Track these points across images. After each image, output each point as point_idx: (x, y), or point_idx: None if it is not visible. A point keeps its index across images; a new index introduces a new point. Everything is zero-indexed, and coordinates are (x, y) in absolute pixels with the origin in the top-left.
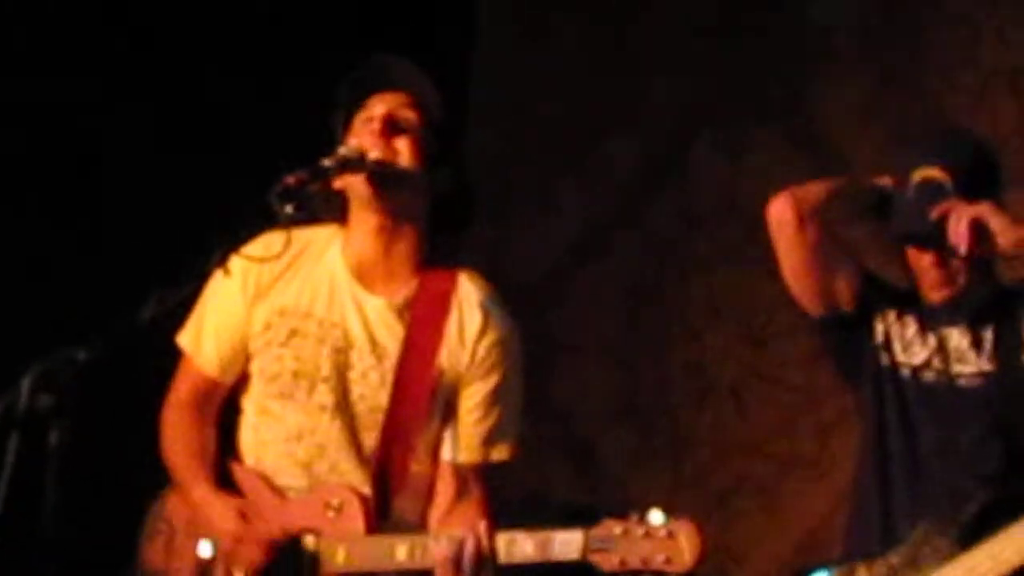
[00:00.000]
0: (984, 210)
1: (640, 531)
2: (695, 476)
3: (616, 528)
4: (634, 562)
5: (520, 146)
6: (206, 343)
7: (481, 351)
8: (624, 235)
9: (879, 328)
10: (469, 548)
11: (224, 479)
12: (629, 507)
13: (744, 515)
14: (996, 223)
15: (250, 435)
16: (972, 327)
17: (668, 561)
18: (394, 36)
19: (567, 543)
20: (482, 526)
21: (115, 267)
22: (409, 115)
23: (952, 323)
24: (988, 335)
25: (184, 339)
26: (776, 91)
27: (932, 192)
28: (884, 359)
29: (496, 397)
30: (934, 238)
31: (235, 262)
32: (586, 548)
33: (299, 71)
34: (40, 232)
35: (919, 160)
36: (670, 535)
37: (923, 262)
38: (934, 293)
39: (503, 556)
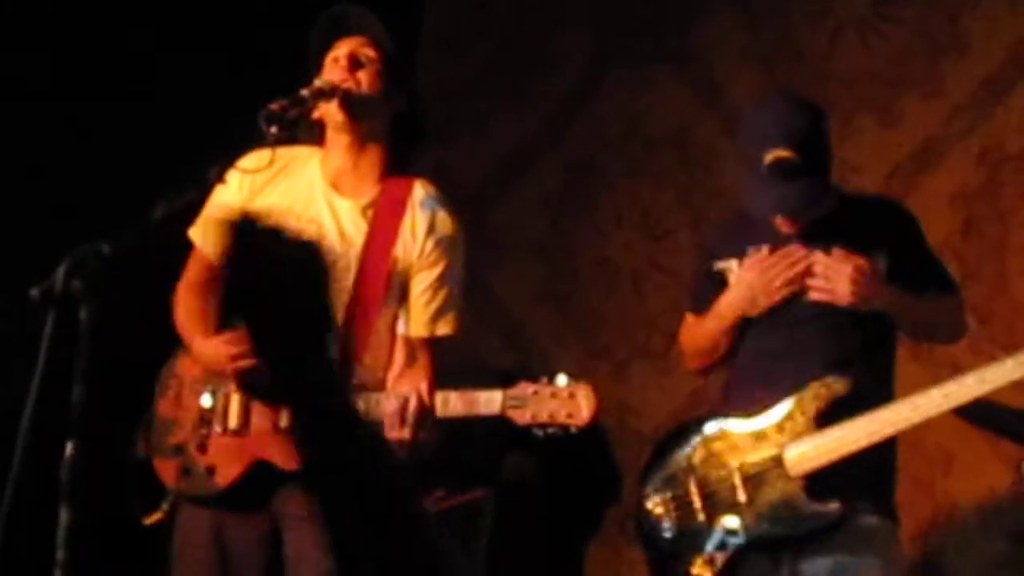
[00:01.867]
0: (858, 272)
1: (548, 391)
2: (603, 348)
3: (529, 389)
4: (542, 417)
5: (460, 79)
6: (211, 235)
7: (429, 244)
8: (546, 154)
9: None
10: (412, 404)
11: None
12: (548, 374)
13: (641, 378)
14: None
15: None
16: (822, 247)
17: (569, 416)
18: None
19: (490, 401)
20: (424, 386)
21: (132, 172)
22: (368, 52)
23: (798, 244)
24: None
25: (194, 233)
26: (669, 36)
27: (784, 170)
28: None
29: (441, 282)
30: (790, 210)
31: (232, 173)
32: (504, 405)
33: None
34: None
35: (768, 142)
36: (571, 395)
37: (777, 219)
38: (785, 232)
39: (439, 411)
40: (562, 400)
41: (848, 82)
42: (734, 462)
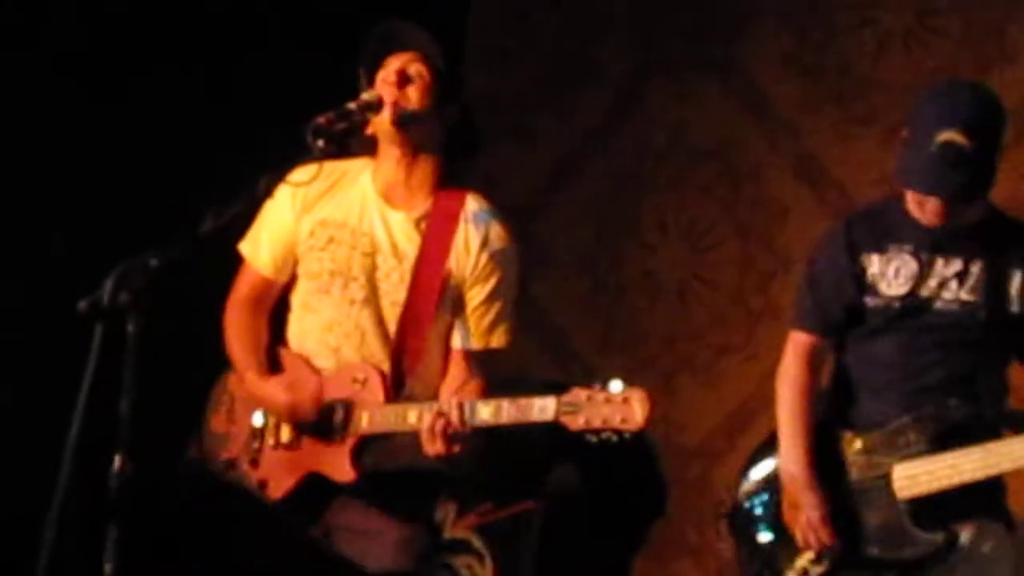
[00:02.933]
0: None
1: (601, 397)
2: (646, 360)
3: (582, 395)
4: (596, 422)
5: (504, 91)
6: (262, 249)
7: (484, 258)
8: (591, 165)
9: (865, 272)
10: (444, 420)
11: (274, 362)
12: (602, 380)
13: (685, 392)
14: None
15: (295, 326)
16: (962, 258)
17: (624, 421)
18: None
19: (543, 408)
20: (454, 400)
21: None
22: (419, 68)
23: (941, 251)
24: (975, 269)
25: (245, 247)
26: (714, 47)
27: (954, 154)
28: (870, 301)
29: (495, 296)
30: (948, 193)
31: (281, 187)
32: (558, 411)
33: (324, 33)
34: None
35: (942, 123)
36: (626, 400)
37: (929, 204)
38: (932, 223)
39: (493, 419)
40: (616, 405)
41: (894, 92)
42: (844, 474)
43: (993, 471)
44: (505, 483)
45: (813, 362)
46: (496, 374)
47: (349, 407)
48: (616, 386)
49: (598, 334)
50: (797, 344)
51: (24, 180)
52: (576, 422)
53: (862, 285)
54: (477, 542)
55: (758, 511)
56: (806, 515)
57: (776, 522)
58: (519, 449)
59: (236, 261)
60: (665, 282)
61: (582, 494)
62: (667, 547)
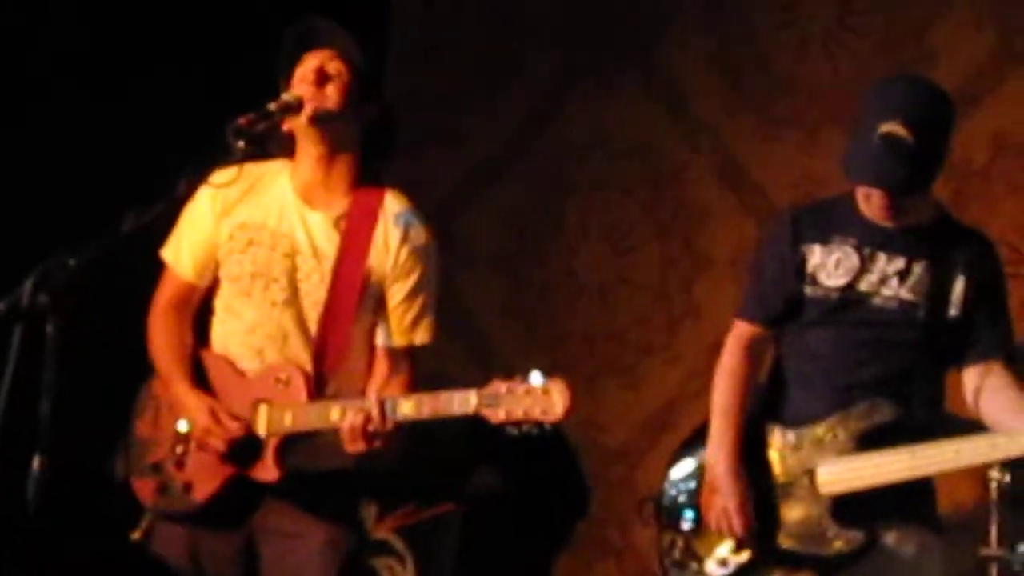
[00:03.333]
0: None
1: (522, 389)
2: (568, 361)
3: (502, 387)
4: (517, 414)
5: (428, 91)
6: (184, 254)
7: (403, 256)
8: (513, 166)
9: (806, 263)
10: (362, 418)
11: (198, 366)
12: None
13: (608, 393)
14: None
15: (218, 328)
16: (905, 256)
17: (544, 412)
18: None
19: (464, 401)
20: (375, 398)
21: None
22: (337, 65)
23: (885, 248)
24: (918, 269)
25: (167, 252)
26: (635, 48)
27: (895, 147)
28: (807, 289)
29: (417, 292)
30: (889, 185)
31: (202, 189)
32: (479, 404)
33: (245, 31)
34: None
35: (884, 115)
36: (546, 392)
37: (873, 198)
38: (878, 218)
39: (415, 413)
40: (536, 397)
41: (814, 94)
42: (767, 468)
43: (919, 473)
44: (426, 484)
45: (753, 353)
46: (421, 370)
47: (271, 407)
48: (536, 378)
49: (520, 335)
50: (738, 333)
51: None
52: (497, 415)
53: (802, 275)
54: (398, 543)
55: (682, 498)
56: (723, 502)
57: (699, 510)
58: (440, 450)
59: (160, 263)
60: (587, 283)
61: (504, 495)
62: (590, 548)
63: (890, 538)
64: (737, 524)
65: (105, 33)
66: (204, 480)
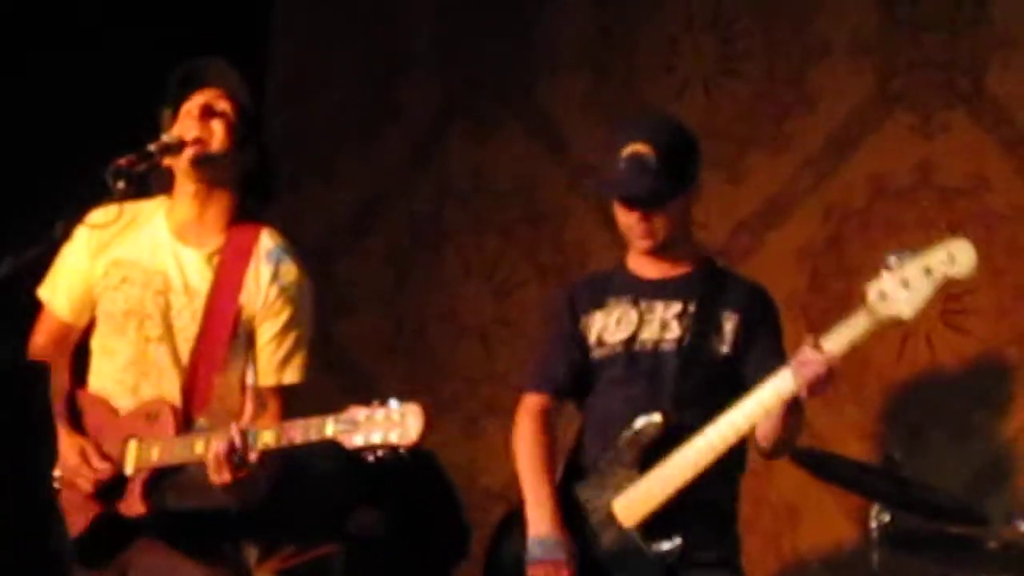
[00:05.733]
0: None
1: (380, 414)
2: (450, 403)
3: (360, 413)
4: (373, 439)
5: (306, 128)
6: (60, 293)
7: (273, 293)
8: (392, 206)
9: (588, 331)
10: (222, 449)
11: (74, 406)
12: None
13: (489, 435)
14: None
15: (95, 367)
16: (680, 300)
17: (400, 437)
18: (207, 38)
19: (320, 427)
20: (235, 427)
21: None
22: (223, 105)
23: (659, 296)
24: (692, 309)
25: (43, 291)
26: (516, 90)
27: (639, 164)
28: (595, 353)
29: (287, 331)
30: (639, 200)
31: (80, 229)
32: (336, 431)
33: (126, 67)
34: None
35: (628, 137)
36: (401, 416)
37: (630, 219)
38: (641, 245)
39: (275, 442)
40: (391, 422)
41: (695, 136)
42: (577, 526)
43: (703, 464)
44: (306, 526)
45: (545, 421)
46: (292, 410)
47: (140, 443)
48: (393, 404)
49: (401, 376)
50: (527, 405)
51: None
52: (352, 440)
53: (586, 344)
54: None
55: None
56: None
57: None
58: (320, 491)
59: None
60: (467, 325)
61: (384, 536)
62: None
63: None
64: None
65: None
66: (75, 516)
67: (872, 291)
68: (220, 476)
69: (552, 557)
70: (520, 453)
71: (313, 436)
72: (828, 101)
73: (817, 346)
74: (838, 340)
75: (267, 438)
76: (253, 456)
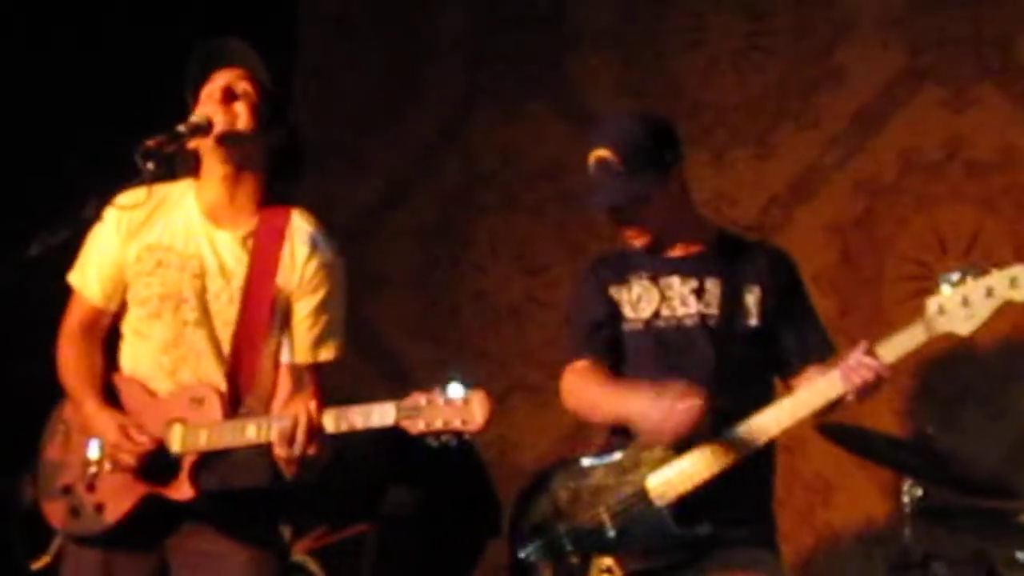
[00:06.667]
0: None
1: (441, 400)
2: (480, 380)
3: (422, 399)
4: (436, 425)
5: (335, 112)
6: (91, 278)
7: (309, 272)
8: (422, 187)
9: (616, 302)
10: (301, 421)
11: (109, 389)
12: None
13: (520, 412)
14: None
15: (127, 352)
16: (696, 276)
17: (464, 422)
18: (236, 23)
19: (383, 413)
20: (312, 404)
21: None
22: (244, 86)
23: (676, 272)
24: (710, 285)
25: (74, 277)
26: (543, 69)
27: (604, 169)
28: (624, 327)
29: (322, 309)
30: (613, 209)
31: (108, 211)
32: (398, 416)
33: (154, 49)
34: None
35: (594, 142)
36: (466, 403)
37: (628, 236)
38: (636, 244)
39: (334, 427)
40: (456, 408)
41: (723, 113)
42: (600, 500)
43: (728, 460)
44: (340, 505)
45: (593, 372)
46: (328, 388)
47: (187, 427)
48: (456, 389)
49: (430, 355)
50: (572, 369)
51: None
52: (416, 425)
53: (618, 313)
54: (312, 565)
55: (533, 558)
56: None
57: (555, 568)
58: (353, 471)
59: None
60: (497, 303)
61: (416, 514)
62: (503, 565)
63: (731, 533)
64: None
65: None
66: (117, 500)
67: (931, 305)
68: (288, 451)
69: (672, 402)
70: (581, 391)
71: (375, 422)
72: (857, 76)
73: (871, 352)
74: (893, 349)
75: (326, 423)
76: (324, 431)
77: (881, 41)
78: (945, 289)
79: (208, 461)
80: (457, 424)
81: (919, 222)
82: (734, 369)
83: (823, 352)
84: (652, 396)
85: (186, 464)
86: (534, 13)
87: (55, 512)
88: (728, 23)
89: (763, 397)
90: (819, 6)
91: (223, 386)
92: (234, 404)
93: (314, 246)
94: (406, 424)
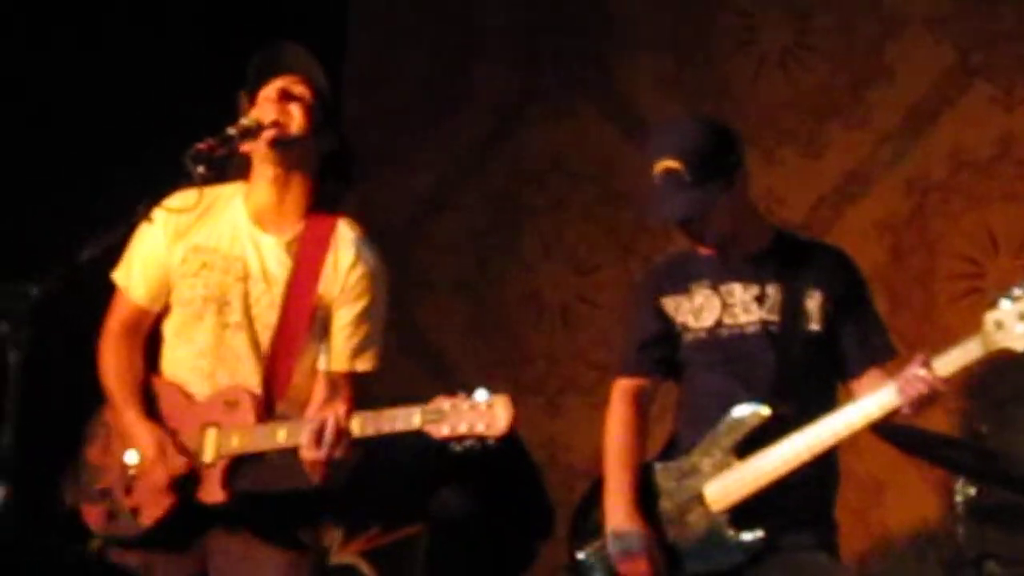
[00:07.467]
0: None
1: (466, 405)
2: (531, 382)
3: (445, 404)
4: (460, 429)
5: (382, 115)
6: (136, 278)
7: (351, 280)
8: (470, 189)
9: (675, 313)
10: (329, 425)
11: (148, 392)
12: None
13: (571, 413)
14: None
15: (169, 354)
16: (757, 282)
17: (487, 427)
18: (283, 25)
19: (407, 417)
20: (342, 409)
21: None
22: (300, 89)
23: (737, 279)
24: (771, 291)
25: (119, 275)
26: (591, 70)
27: (672, 181)
28: (684, 337)
29: (363, 319)
30: (683, 220)
31: (157, 212)
32: (423, 420)
33: (207, 55)
34: None
35: (659, 153)
36: (490, 407)
37: (690, 237)
38: (704, 250)
39: (360, 431)
40: (479, 412)
41: (772, 113)
42: (658, 505)
43: (790, 467)
44: (391, 508)
45: (638, 404)
46: (364, 398)
47: (219, 430)
48: (480, 394)
49: (481, 357)
50: (621, 389)
51: None
52: (440, 430)
53: (674, 326)
54: (364, 567)
55: (591, 560)
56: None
57: (611, 570)
58: (404, 472)
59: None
60: (548, 304)
61: (468, 516)
62: (554, 568)
63: (786, 540)
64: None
65: (49, 58)
66: (151, 505)
67: (990, 320)
68: (314, 454)
69: (630, 549)
70: (608, 437)
71: (400, 426)
72: (907, 74)
73: (927, 365)
74: (949, 364)
75: (354, 427)
76: (350, 435)
77: (930, 39)
78: (1005, 304)
79: (241, 465)
80: (480, 429)
81: (970, 220)
82: (796, 375)
83: (885, 355)
84: (616, 525)
85: (218, 467)
86: (584, 13)
87: (93, 514)
88: (777, 22)
89: (826, 403)
90: (868, 4)
91: (258, 389)
92: (268, 408)
93: (358, 255)
94: (430, 428)
